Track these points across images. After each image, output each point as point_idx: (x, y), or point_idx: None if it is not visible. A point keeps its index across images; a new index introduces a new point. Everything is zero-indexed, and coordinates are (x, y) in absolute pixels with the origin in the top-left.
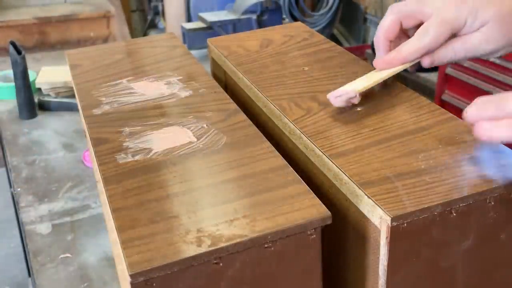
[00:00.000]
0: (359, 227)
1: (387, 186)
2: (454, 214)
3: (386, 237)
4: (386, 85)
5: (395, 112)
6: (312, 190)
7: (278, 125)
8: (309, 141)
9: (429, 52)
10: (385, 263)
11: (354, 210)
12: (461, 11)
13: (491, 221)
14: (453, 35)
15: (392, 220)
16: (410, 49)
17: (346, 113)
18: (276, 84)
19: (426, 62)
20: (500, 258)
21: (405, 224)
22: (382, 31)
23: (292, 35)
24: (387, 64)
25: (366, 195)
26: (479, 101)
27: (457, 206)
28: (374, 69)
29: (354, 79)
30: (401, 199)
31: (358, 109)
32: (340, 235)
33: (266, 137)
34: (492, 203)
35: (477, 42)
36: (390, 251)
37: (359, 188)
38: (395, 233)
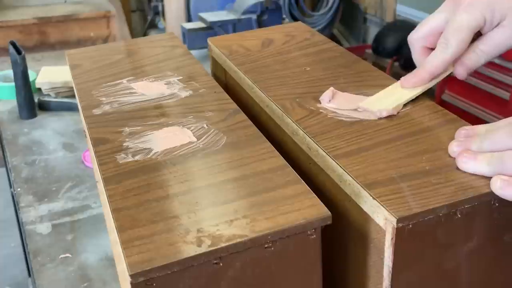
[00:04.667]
0: (363, 228)
1: (392, 187)
2: (459, 216)
3: (392, 239)
4: None
5: (399, 112)
6: (314, 191)
7: (280, 125)
8: (312, 141)
9: (455, 60)
10: (390, 264)
11: (358, 211)
12: (477, 11)
13: (495, 222)
14: (476, 36)
15: (398, 221)
16: (435, 62)
17: (350, 114)
18: (278, 84)
19: (460, 73)
20: (504, 260)
21: (410, 226)
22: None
23: (294, 35)
24: (415, 82)
25: (371, 196)
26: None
27: (462, 207)
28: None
29: (357, 79)
30: (407, 200)
31: (361, 110)
32: (342, 236)
33: (267, 138)
34: (497, 204)
35: (502, 37)
36: (395, 253)
37: (364, 189)
38: (400, 234)
